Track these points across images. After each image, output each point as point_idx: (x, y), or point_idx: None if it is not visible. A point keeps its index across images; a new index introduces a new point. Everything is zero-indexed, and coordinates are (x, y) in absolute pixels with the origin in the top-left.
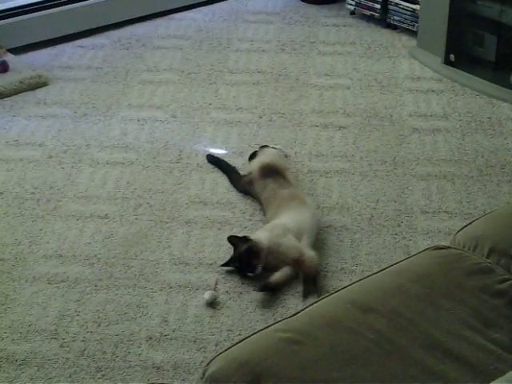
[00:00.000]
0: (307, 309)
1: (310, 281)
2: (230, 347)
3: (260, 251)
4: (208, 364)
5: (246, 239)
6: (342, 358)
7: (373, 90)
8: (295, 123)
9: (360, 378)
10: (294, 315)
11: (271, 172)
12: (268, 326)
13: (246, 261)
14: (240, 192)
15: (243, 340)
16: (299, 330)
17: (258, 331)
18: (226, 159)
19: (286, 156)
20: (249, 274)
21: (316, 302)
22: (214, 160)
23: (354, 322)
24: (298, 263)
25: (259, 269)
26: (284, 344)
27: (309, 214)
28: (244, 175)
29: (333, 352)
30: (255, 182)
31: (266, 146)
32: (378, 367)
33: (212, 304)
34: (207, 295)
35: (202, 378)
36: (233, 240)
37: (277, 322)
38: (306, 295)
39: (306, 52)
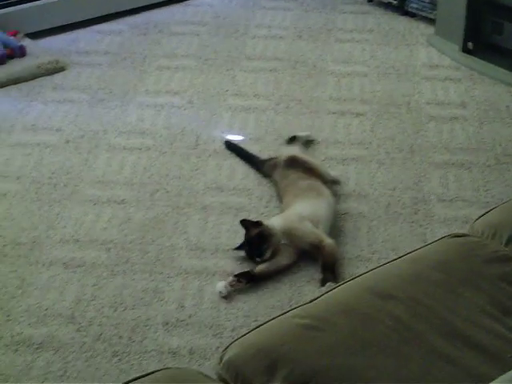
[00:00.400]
0: (325, 295)
1: (329, 268)
2: (248, 333)
3: (271, 237)
4: (225, 349)
5: (258, 224)
6: (359, 345)
7: (390, 77)
8: (312, 110)
9: (378, 365)
10: (311, 301)
11: (296, 164)
12: (285, 312)
13: (256, 245)
14: (261, 174)
15: (261, 326)
16: (317, 316)
17: (276, 317)
18: (244, 146)
19: (313, 141)
20: (257, 259)
21: (334, 289)
22: (232, 146)
23: (373, 308)
24: (316, 249)
25: (267, 254)
26: (302, 330)
27: (324, 204)
28: (270, 158)
29: (351, 338)
30: (278, 169)
31: (295, 138)
32: (395, 354)
33: (226, 296)
34: (221, 288)
35: (219, 364)
36: (245, 223)
37: (294, 308)
38: (324, 283)
39: (324, 39)
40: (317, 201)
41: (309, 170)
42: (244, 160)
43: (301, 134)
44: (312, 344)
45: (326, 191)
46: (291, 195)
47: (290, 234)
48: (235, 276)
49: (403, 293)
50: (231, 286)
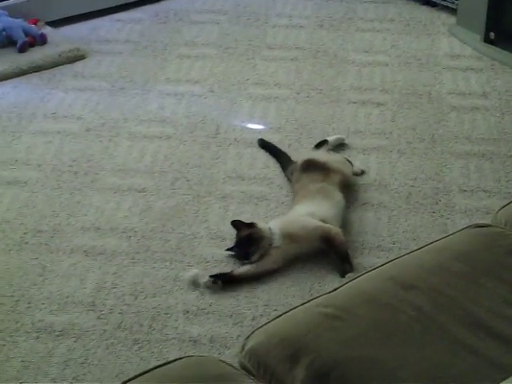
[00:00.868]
0: (347, 284)
1: (345, 258)
2: (270, 321)
3: (260, 239)
4: (247, 338)
5: (251, 225)
6: (382, 335)
7: (411, 67)
8: (333, 99)
9: (400, 355)
10: (334, 290)
11: (312, 168)
12: (308, 301)
13: (244, 247)
14: (286, 177)
15: (283, 314)
16: (339, 306)
17: (298, 306)
18: (264, 135)
19: (343, 143)
20: (244, 261)
21: (356, 278)
22: (265, 144)
23: (395, 298)
24: (327, 241)
25: (255, 257)
26: (324, 319)
27: (330, 206)
28: (293, 162)
29: (373, 328)
30: (295, 173)
31: (325, 142)
32: (418, 344)
33: (194, 283)
34: (191, 274)
35: (241, 352)
36: (237, 224)
37: (317, 297)
38: (343, 274)
39: (345, 28)
40: (324, 202)
41: (326, 173)
42: (276, 159)
43: (331, 138)
44: (334, 334)
45: (336, 194)
46: (300, 197)
47: (291, 235)
48: (211, 276)
49: (426, 283)
50: (207, 286)
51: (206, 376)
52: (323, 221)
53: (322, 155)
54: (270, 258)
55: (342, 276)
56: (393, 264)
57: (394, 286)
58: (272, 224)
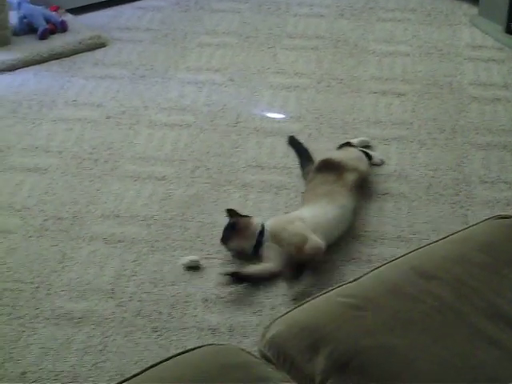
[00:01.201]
0: (368, 274)
1: (300, 266)
2: (291, 310)
3: (243, 229)
4: (268, 327)
5: (244, 216)
6: (402, 325)
7: (432, 57)
8: (353, 89)
9: (421, 345)
10: (354, 280)
11: (326, 168)
12: (329, 291)
13: (225, 230)
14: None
15: (304, 304)
16: (360, 296)
17: (319, 295)
18: (284, 124)
19: (368, 145)
20: (220, 242)
21: (377, 268)
22: (294, 142)
23: (416, 288)
24: (298, 250)
25: (231, 244)
26: (345, 309)
27: (331, 211)
28: (312, 163)
29: (394, 318)
30: (310, 173)
31: (348, 144)
32: (439, 334)
33: (190, 268)
34: (186, 260)
35: (261, 341)
36: (230, 212)
37: (338, 287)
38: (287, 278)
39: (366, 18)
40: (325, 208)
41: (340, 173)
42: (299, 158)
43: (355, 140)
44: (355, 323)
45: (342, 198)
46: (306, 200)
47: (275, 235)
48: (224, 274)
49: (448, 273)
50: (222, 282)
51: (227, 364)
52: (313, 230)
53: (337, 154)
54: (268, 259)
55: (285, 280)
56: (415, 254)
57: (415, 276)
58: (268, 222)
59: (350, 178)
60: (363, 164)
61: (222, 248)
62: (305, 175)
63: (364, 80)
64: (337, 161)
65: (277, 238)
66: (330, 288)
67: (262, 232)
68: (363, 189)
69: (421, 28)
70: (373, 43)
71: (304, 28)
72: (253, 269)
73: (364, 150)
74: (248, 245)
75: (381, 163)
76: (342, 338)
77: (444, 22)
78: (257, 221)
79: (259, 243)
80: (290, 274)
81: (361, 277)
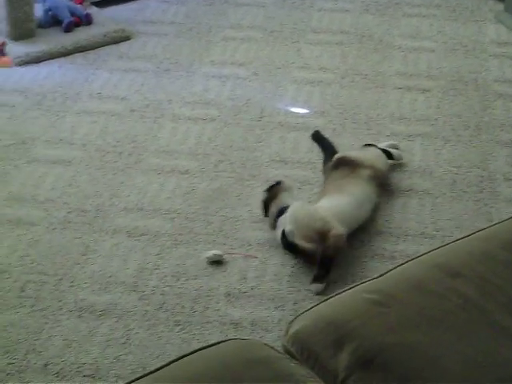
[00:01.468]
0: (393, 271)
1: (325, 263)
2: (315, 306)
3: (275, 196)
4: (292, 322)
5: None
6: (427, 322)
7: (457, 53)
8: (378, 85)
9: (446, 343)
10: (379, 276)
11: (341, 165)
12: (353, 287)
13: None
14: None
15: (328, 299)
16: (385, 292)
17: (343, 291)
18: (308, 119)
19: (397, 148)
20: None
21: (402, 265)
22: (318, 137)
23: (441, 285)
24: (322, 237)
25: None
26: (370, 305)
27: (347, 204)
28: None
29: (419, 315)
30: (327, 170)
31: (371, 145)
32: (464, 332)
33: (214, 262)
34: (209, 254)
35: (284, 336)
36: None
37: (362, 283)
38: (314, 280)
39: (391, 13)
40: (339, 199)
41: (353, 169)
42: (323, 154)
43: (383, 144)
44: (379, 320)
45: (354, 188)
46: (319, 195)
47: (297, 221)
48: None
49: (472, 271)
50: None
51: (251, 359)
52: (337, 218)
53: (354, 153)
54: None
55: (311, 282)
56: (439, 251)
57: (440, 274)
58: (292, 206)
59: (365, 173)
60: (380, 162)
61: (245, 242)
62: (323, 172)
63: (389, 75)
64: (352, 158)
65: (298, 225)
66: (355, 284)
67: (281, 210)
68: (384, 186)
69: (446, 24)
70: (398, 39)
71: (329, 23)
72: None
73: (385, 148)
74: (271, 214)
75: (401, 159)
76: (367, 334)
77: (469, 18)
78: (285, 199)
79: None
80: (320, 274)
81: (385, 273)
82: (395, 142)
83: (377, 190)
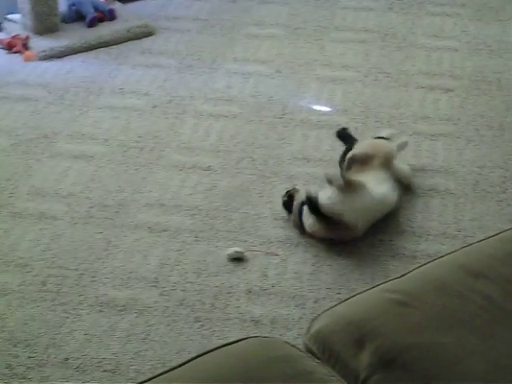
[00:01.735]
0: (415, 270)
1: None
2: (337, 304)
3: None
4: (313, 320)
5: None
6: (450, 323)
7: (481, 53)
8: (401, 84)
9: (467, 344)
10: (401, 276)
11: (353, 163)
12: (375, 286)
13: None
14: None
15: (349, 298)
16: (407, 292)
17: (365, 291)
18: (330, 117)
19: (402, 146)
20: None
21: (424, 265)
22: (344, 135)
23: (464, 286)
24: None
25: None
26: (392, 305)
27: (356, 201)
28: None
29: (441, 316)
30: (342, 172)
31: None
32: (486, 333)
33: (235, 259)
34: (230, 251)
35: (306, 334)
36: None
37: (384, 283)
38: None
39: (414, 12)
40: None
41: (364, 163)
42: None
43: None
44: (401, 320)
45: (367, 188)
46: None
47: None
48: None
49: (496, 272)
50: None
51: (272, 357)
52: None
53: (360, 146)
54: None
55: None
56: (462, 252)
57: (463, 274)
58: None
59: (376, 162)
60: (385, 147)
61: (267, 240)
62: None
63: (412, 74)
64: (361, 153)
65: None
66: (376, 283)
67: (303, 203)
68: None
69: (470, 23)
70: (421, 37)
71: (352, 21)
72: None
73: (380, 136)
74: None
75: (405, 145)
76: (389, 334)
77: (494, 18)
78: (300, 194)
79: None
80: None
81: (408, 273)
82: (394, 131)
83: (392, 170)
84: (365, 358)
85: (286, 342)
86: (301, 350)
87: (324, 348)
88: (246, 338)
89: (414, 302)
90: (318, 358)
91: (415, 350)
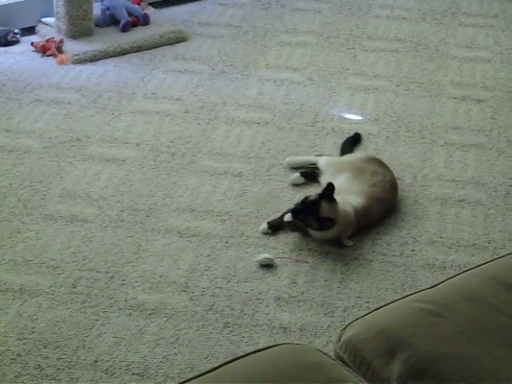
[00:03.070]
0: (446, 281)
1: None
2: (368, 313)
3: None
4: (345, 328)
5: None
6: (481, 334)
7: None
8: (433, 94)
9: (499, 357)
10: (433, 287)
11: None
12: (406, 296)
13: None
14: None
15: (381, 307)
16: (439, 302)
17: (396, 300)
18: (362, 126)
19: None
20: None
21: (456, 276)
22: (353, 141)
23: (496, 298)
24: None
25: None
26: (423, 315)
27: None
28: None
29: (473, 327)
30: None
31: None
32: None
33: (264, 266)
34: (260, 257)
35: (337, 342)
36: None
37: (416, 293)
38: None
39: (447, 22)
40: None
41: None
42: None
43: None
44: (433, 330)
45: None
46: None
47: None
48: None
49: None
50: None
51: (303, 364)
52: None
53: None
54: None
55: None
56: (494, 263)
57: (495, 286)
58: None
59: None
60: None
61: (296, 247)
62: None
63: (444, 85)
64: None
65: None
66: (407, 293)
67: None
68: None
69: (503, 34)
70: (454, 48)
71: (385, 30)
72: None
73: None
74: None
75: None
76: (420, 343)
77: None
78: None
79: None
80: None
81: (439, 283)
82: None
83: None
84: (396, 368)
85: (317, 349)
86: (332, 358)
87: (355, 356)
88: (277, 345)
89: (445, 313)
90: (349, 366)
91: (446, 360)
